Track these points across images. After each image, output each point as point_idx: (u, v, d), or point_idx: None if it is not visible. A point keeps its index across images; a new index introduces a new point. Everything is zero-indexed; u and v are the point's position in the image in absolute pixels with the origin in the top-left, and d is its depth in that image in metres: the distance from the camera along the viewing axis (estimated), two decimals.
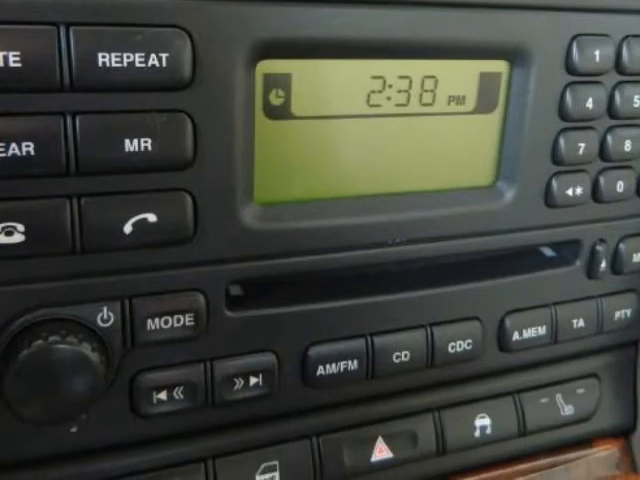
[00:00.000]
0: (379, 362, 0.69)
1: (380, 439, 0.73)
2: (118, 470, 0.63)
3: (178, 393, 0.62)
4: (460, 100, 0.66)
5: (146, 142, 0.53)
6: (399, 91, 0.63)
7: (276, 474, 0.69)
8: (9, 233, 0.52)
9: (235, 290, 0.65)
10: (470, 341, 0.73)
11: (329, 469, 0.71)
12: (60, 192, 0.53)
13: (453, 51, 0.64)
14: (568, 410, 0.81)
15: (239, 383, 0.64)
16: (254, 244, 0.61)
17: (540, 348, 0.78)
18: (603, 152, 0.72)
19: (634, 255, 0.79)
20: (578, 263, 0.77)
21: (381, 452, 0.73)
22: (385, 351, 0.69)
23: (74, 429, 0.60)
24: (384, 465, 0.74)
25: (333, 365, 0.67)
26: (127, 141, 0.53)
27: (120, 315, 0.58)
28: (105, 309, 0.57)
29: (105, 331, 0.58)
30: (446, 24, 0.61)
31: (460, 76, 0.65)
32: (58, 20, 0.49)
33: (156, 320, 0.59)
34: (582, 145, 0.70)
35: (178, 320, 0.60)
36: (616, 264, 0.78)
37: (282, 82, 0.59)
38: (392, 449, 0.74)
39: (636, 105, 0.71)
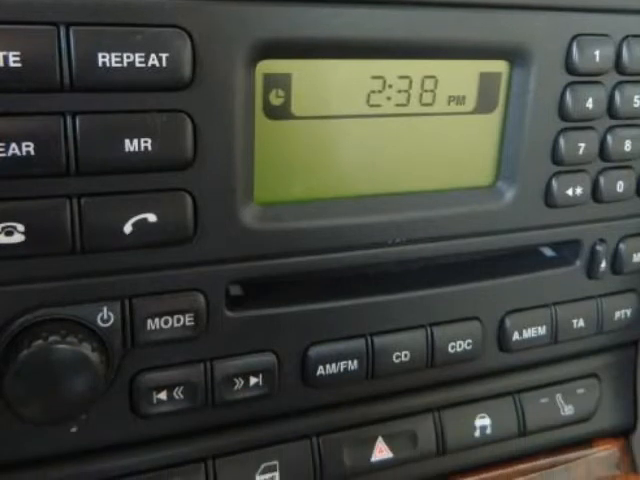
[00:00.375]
0: (379, 362, 0.69)
1: (380, 439, 0.73)
2: (118, 470, 0.63)
3: (178, 393, 0.62)
4: (460, 100, 0.66)
5: (146, 142, 0.53)
6: (399, 91, 0.63)
7: (276, 474, 0.69)
8: (9, 233, 0.52)
9: (235, 290, 0.65)
10: (470, 341, 0.73)
11: (329, 469, 0.71)
12: (60, 192, 0.53)
13: (453, 51, 0.63)
14: (568, 410, 0.81)
15: (239, 383, 0.64)
16: (254, 244, 0.61)
17: (540, 348, 0.78)
18: (603, 152, 0.71)
19: (634, 255, 0.79)
20: (578, 263, 0.77)
21: (381, 452, 0.73)
22: (385, 351, 0.69)
23: (74, 429, 0.60)
24: (384, 465, 0.73)
25: (333, 365, 0.67)
26: (127, 141, 0.53)
27: (120, 315, 0.58)
28: (105, 309, 0.57)
29: (105, 331, 0.58)
30: (446, 24, 0.61)
31: (460, 76, 0.65)
32: (58, 20, 0.49)
33: (156, 320, 0.59)
34: (582, 145, 0.70)
35: (178, 320, 0.60)
36: (616, 264, 0.78)
37: (282, 82, 0.59)
38: (392, 449, 0.74)
39: (636, 105, 0.71)
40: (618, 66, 0.69)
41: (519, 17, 0.64)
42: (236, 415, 0.67)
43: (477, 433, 0.77)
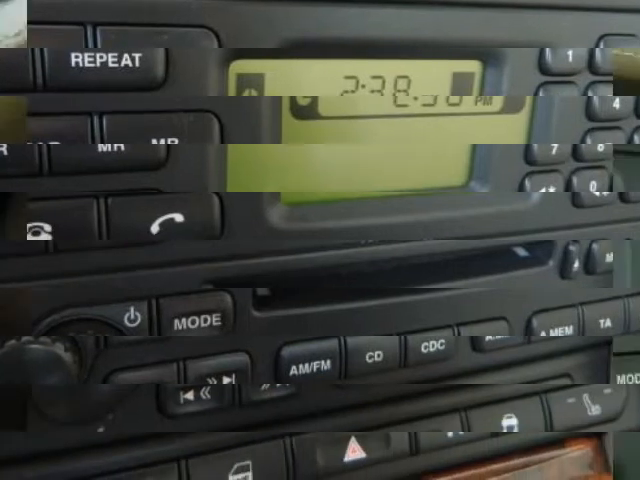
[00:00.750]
0: (352, 362, 0.69)
1: (353, 439, 0.73)
2: (92, 470, 0.62)
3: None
4: (487, 100, 0.66)
5: (173, 142, 0.53)
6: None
7: (249, 474, 0.68)
8: (36, 233, 0.51)
9: (262, 290, 0.65)
10: (443, 341, 0.73)
11: (302, 469, 0.71)
12: (87, 191, 0.52)
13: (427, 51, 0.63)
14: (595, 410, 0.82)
15: (212, 382, 0.63)
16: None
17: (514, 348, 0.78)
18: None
19: None
20: None
21: (354, 452, 0.73)
22: (359, 351, 0.69)
23: (101, 429, 0.61)
24: (357, 465, 0.73)
25: (306, 365, 0.67)
26: (155, 141, 0.53)
27: (147, 315, 0.58)
28: (132, 309, 0.57)
29: (132, 331, 0.57)
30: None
31: None
32: None
33: (183, 320, 0.59)
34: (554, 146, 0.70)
35: (205, 320, 0.59)
36: None
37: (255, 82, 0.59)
38: (365, 449, 0.73)
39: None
40: None
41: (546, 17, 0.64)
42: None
43: (450, 433, 0.77)
